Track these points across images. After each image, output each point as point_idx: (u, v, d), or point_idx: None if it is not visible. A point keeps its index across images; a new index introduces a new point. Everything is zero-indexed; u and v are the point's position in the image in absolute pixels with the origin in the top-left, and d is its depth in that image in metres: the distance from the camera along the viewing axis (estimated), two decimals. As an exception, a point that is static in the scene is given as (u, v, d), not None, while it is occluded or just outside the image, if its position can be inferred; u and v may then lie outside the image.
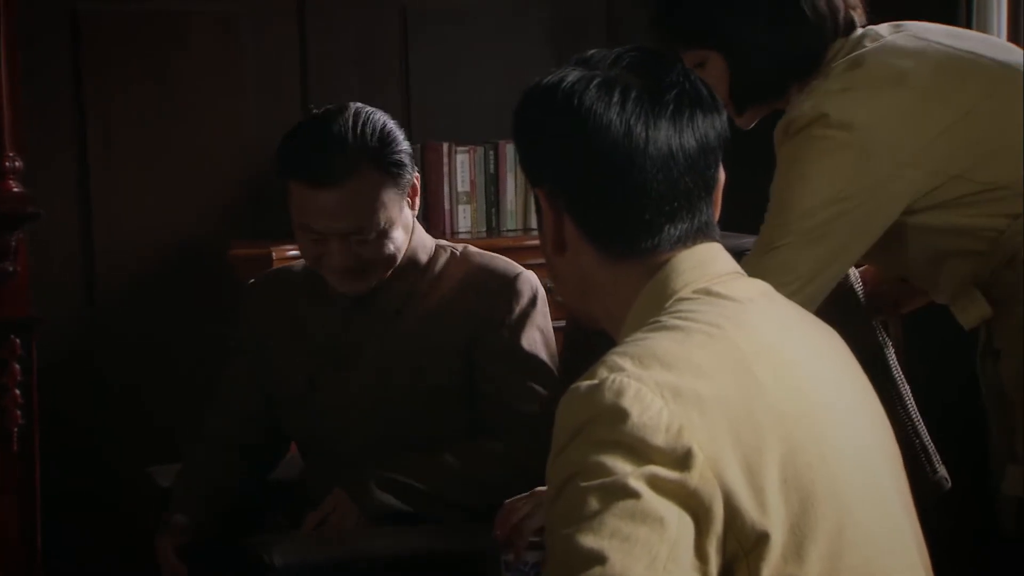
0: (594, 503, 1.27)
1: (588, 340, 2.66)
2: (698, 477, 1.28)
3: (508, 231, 4.07)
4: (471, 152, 4.05)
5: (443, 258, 2.48)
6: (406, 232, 2.40)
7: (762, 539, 1.29)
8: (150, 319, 3.96)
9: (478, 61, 4.19)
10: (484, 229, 4.06)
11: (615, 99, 1.43)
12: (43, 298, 3.45)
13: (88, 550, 3.82)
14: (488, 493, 2.26)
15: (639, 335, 1.38)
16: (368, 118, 2.34)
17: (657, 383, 1.30)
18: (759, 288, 1.48)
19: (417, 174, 2.40)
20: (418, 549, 2.23)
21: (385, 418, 2.40)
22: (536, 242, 3.91)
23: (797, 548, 1.31)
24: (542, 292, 2.49)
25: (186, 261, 3.98)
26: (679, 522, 1.27)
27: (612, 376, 1.31)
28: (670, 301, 1.42)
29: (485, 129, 4.12)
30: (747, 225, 2.33)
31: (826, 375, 1.44)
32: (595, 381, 1.32)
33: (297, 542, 2.25)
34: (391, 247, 2.37)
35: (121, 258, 3.96)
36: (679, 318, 1.39)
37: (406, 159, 2.36)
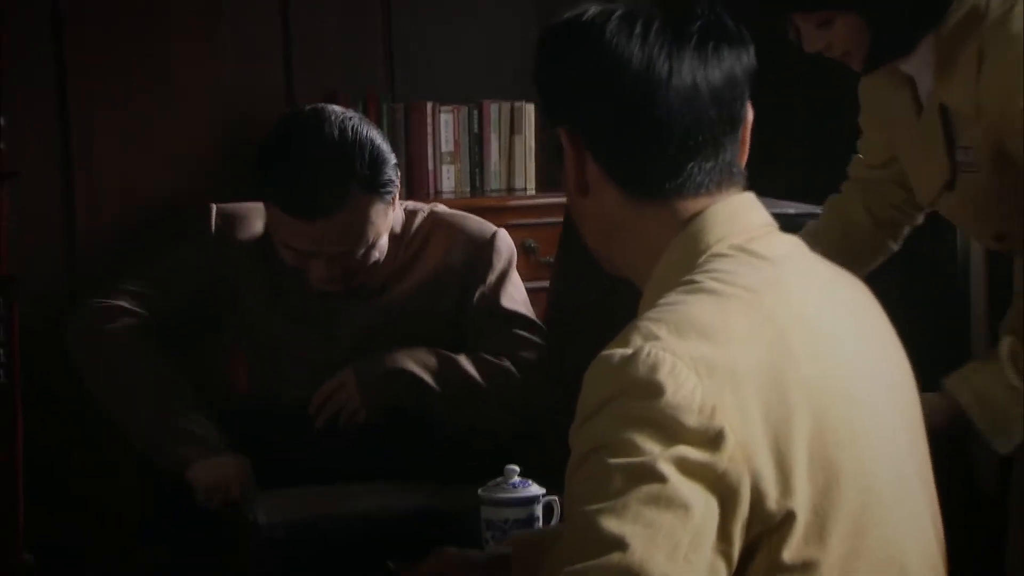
0: (619, 482, 1.26)
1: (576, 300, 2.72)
2: (728, 459, 1.27)
3: (492, 191, 4.09)
4: (455, 112, 4.07)
5: (415, 223, 2.49)
6: (387, 231, 2.39)
7: (786, 520, 1.30)
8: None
9: (462, 19, 4.20)
10: (468, 189, 4.08)
11: (637, 31, 1.40)
12: (23, 257, 3.48)
13: (72, 509, 3.87)
14: (488, 403, 2.32)
15: (674, 297, 1.36)
16: (355, 137, 2.28)
17: (693, 357, 1.29)
18: (792, 243, 1.46)
19: (399, 182, 2.38)
20: (401, 508, 2.28)
21: None
22: (520, 202, 4.01)
23: (819, 529, 1.31)
24: (515, 250, 2.54)
25: (168, 222, 4.00)
26: (704, 507, 1.27)
27: (647, 346, 1.29)
28: (703, 257, 1.40)
29: (469, 88, 4.14)
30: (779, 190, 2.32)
31: (858, 342, 1.43)
32: (629, 350, 1.30)
33: (281, 501, 2.29)
34: (376, 255, 2.38)
35: (102, 217, 3.97)
36: (715, 279, 1.36)
37: (394, 175, 2.33)
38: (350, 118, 2.32)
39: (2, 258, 3.23)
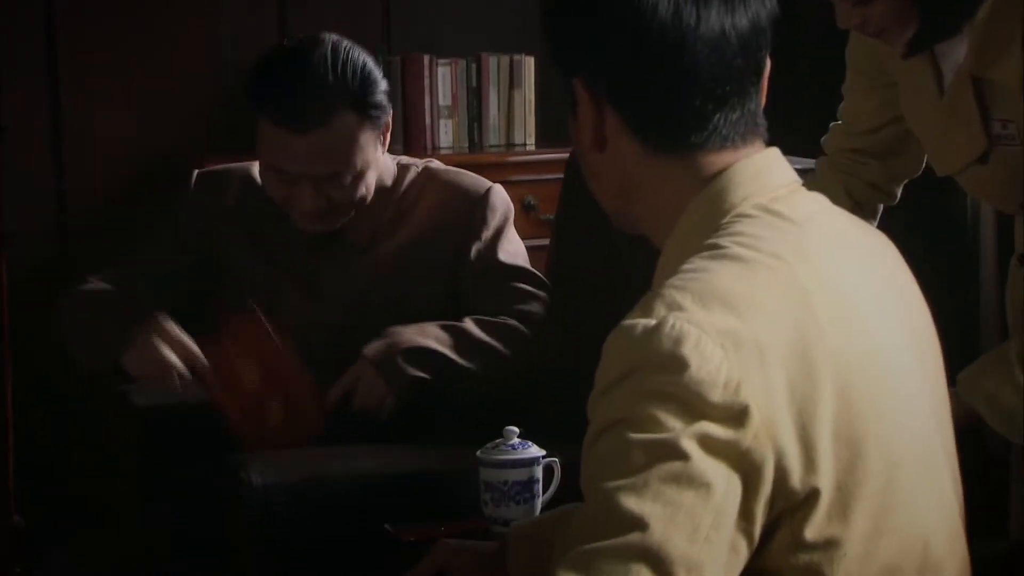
0: (640, 459, 1.24)
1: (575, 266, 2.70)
2: (752, 437, 1.25)
3: (491, 147, 4.07)
4: (453, 65, 4.04)
5: (408, 178, 2.48)
6: (376, 170, 2.39)
7: (809, 498, 1.28)
8: (124, 236, 3.97)
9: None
10: (466, 145, 4.06)
11: None
12: (12, 213, 3.46)
13: (64, 471, 3.87)
14: (508, 366, 2.29)
15: (698, 263, 1.33)
16: (347, 56, 2.31)
17: (718, 330, 1.26)
18: (817, 203, 1.44)
19: (391, 112, 2.38)
20: (399, 470, 2.27)
21: (364, 343, 2.38)
22: (520, 158, 3.98)
23: (843, 507, 1.30)
24: (511, 206, 2.52)
25: (159, 176, 3.99)
26: (727, 485, 1.25)
27: (672, 318, 1.27)
28: (727, 217, 1.37)
29: (468, 41, 4.11)
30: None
31: (885, 309, 1.41)
32: (652, 321, 1.28)
33: (277, 462, 2.28)
34: (363, 189, 2.36)
35: (93, 172, 3.96)
36: (741, 245, 1.34)
37: (384, 99, 2.34)
38: (344, 42, 2.35)
39: (-9, 215, 3.21)
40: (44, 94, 3.92)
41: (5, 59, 3.52)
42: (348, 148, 2.31)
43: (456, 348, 2.34)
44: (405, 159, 2.53)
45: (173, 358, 2.29)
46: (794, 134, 2.15)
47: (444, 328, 2.36)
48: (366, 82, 2.31)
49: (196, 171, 2.55)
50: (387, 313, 2.41)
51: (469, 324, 2.38)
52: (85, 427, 3.89)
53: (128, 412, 2.75)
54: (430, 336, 2.34)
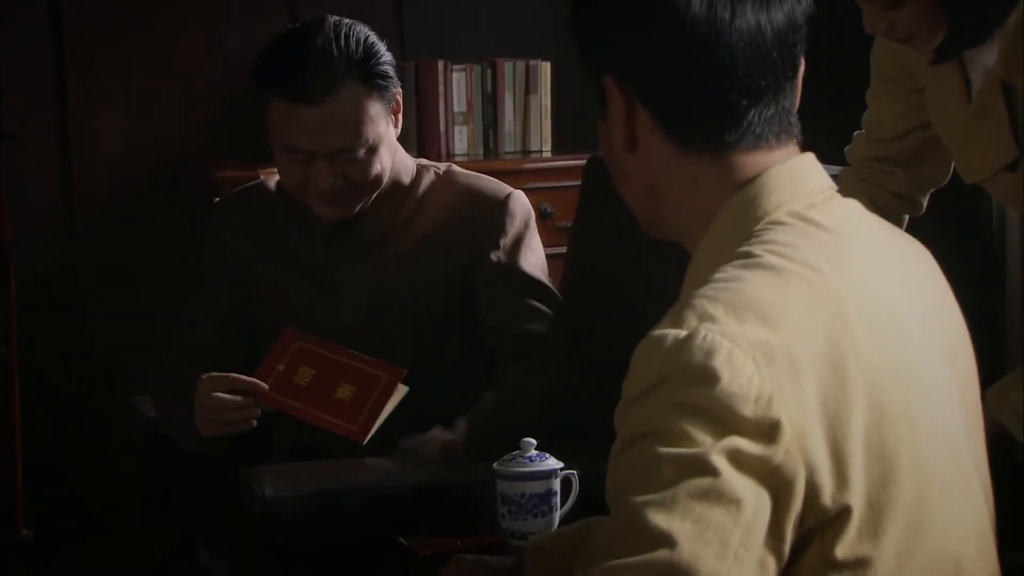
0: (668, 473, 1.23)
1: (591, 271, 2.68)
2: (783, 452, 1.24)
3: (506, 153, 4.06)
4: (468, 71, 4.03)
5: (426, 179, 2.49)
6: (390, 153, 2.41)
7: (840, 515, 1.27)
8: (132, 242, 3.98)
9: (475, -25, 4.18)
10: (481, 151, 4.05)
11: None
12: (20, 221, 3.46)
13: (71, 482, 3.86)
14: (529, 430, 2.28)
15: (731, 272, 1.31)
16: (350, 30, 2.35)
17: (750, 343, 1.25)
18: (853, 210, 1.43)
19: (400, 89, 2.41)
20: (414, 481, 2.26)
21: (378, 347, 2.40)
22: (536, 165, 3.97)
23: (874, 525, 1.29)
24: (532, 212, 2.52)
25: (169, 182, 3.99)
26: (757, 502, 1.23)
27: (703, 329, 1.25)
28: (760, 224, 1.36)
29: (482, 46, 4.11)
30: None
31: (920, 320, 1.39)
32: (683, 332, 1.26)
33: (288, 473, 2.27)
34: (378, 166, 2.38)
35: (101, 179, 3.96)
36: (775, 254, 1.32)
37: (391, 71, 2.37)
38: (347, 20, 2.40)
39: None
40: (50, 101, 3.92)
41: (11, 67, 3.52)
42: (358, 118, 2.33)
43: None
44: (425, 161, 2.55)
45: (226, 411, 2.32)
46: (815, 143, 2.14)
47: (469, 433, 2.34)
48: (369, 52, 2.35)
49: (216, 200, 2.63)
50: (399, 311, 2.43)
51: (488, 413, 2.35)
52: (91, 434, 3.89)
53: (136, 422, 2.75)
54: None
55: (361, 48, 2.34)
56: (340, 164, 2.35)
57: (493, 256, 2.44)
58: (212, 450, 2.38)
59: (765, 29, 1.36)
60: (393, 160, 2.43)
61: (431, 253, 2.45)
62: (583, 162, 2.79)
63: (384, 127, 2.38)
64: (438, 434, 2.31)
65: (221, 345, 2.50)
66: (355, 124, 2.33)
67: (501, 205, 2.47)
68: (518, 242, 2.46)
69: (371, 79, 2.34)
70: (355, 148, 2.34)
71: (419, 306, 2.43)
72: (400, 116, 2.43)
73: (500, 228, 2.45)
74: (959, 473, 1.38)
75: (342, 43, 2.33)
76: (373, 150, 2.36)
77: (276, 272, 2.49)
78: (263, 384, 2.33)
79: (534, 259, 2.48)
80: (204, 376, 2.34)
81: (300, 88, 2.31)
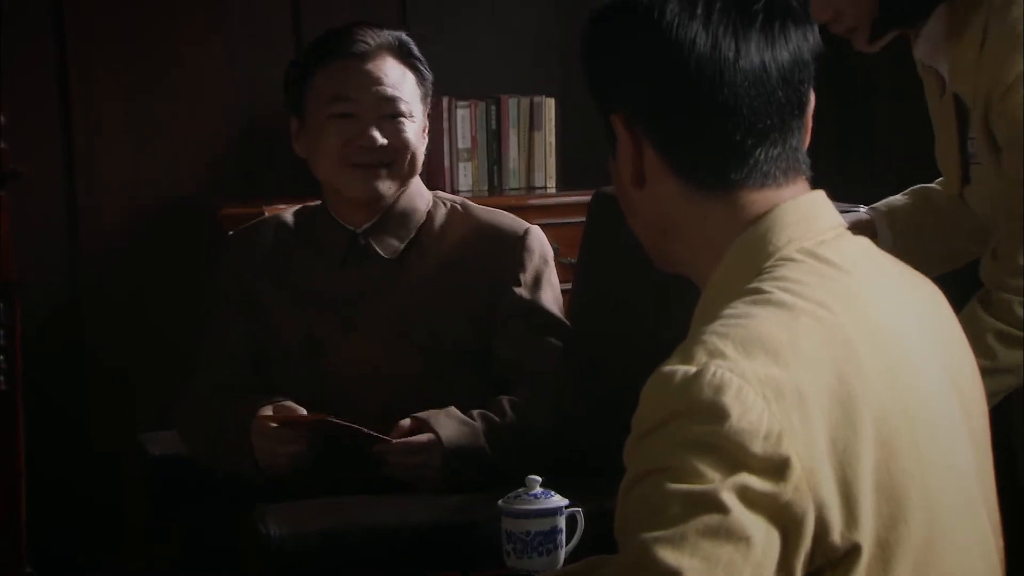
0: (678, 510, 1.23)
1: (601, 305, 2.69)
2: (793, 490, 1.25)
3: (511, 190, 4.07)
4: (472, 107, 4.05)
5: (442, 212, 2.54)
6: (421, 143, 2.50)
7: (850, 554, 1.27)
8: (137, 281, 3.98)
9: (479, 11, 4.19)
10: (486, 188, 4.07)
11: (699, 11, 1.37)
12: (26, 260, 3.48)
13: (74, 518, 3.86)
14: (533, 458, 2.30)
15: (741, 308, 1.32)
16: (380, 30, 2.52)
17: (760, 380, 1.26)
18: (863, 247, 1.44)
19: (430, 94, 2.55)
20: (419, 520, 2.26)
21: (394, 384, 2.42)
22: (540, 201, 3.98)
23: (884, 564, 1.29)
24: (550, 248, 2.54)
25: (175, 221, 4.00)
26: (766, 540, 1.24)
27: (713, 365, 1.26)
28: (770, 261, 1.37)
29: (487, 83, 4.12)
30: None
31: (931, 359, 1.40)
32: (692, 368, 1.27)
33: (293, 511, 2.27)
34: (415, 140, 2.48)
35: (107, 218, 3.97)
36: (785, 291, 1.33)
37: (424, 64, 2.53)
38: None
39: (4, 262, 3.22)
40: (55, 139, 3.93)
41: (17, 104, 3.54)
42: (402, 79, 2.49)
43: (496, 452, 2.36)
44: (441, 194, 2.60)
45: (283, 445, 2.35)
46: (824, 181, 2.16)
47: (486, 429, 2.37)
48: (402, 38, 2.52)
49: (230, 233, 2.66)
50: (418, 346, 2.45)
51: (505, 423, 2.39)
52: (97, 472, 3.89)
53: (142, 460, 2.75)
54: (476, 435, 2.36)
55: (396, 36, 2.51)
56: (384, 126, 2.45)
57: (513, 292, 2.47)
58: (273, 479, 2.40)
59: (770, 68, 1.37)
60: (410, 185, 2.51)
61: (449, 287, 2.47)
62: (587, 198, 2.80)
63: (421, 110, 2.51)
64: (446, 419, 2.34)
65: (247, 374, 2.52)
66: (400, 83, 2.47)
67: (520, 240, 2.50)
68: (538, 278, 2.50)
69: (409, 59, 2.50)
70: (399, 103, 2.46)
71: (438, 345, 2.45)
72: (426, 135, 2.53)
73: (520, 264, 2.49)
74: (968, 509, 1.38)
75: (382, 29, 2.51)
76: (412, 116, 2.47)
77: (291, 307, 2.50)
78: (300, 409, 2.36)
79: (552, 295, 2.52)
80: (259, 416, 2.36)
81: (356, 45, 2.47)
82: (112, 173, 3.97)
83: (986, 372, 1.60)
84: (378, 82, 2.46)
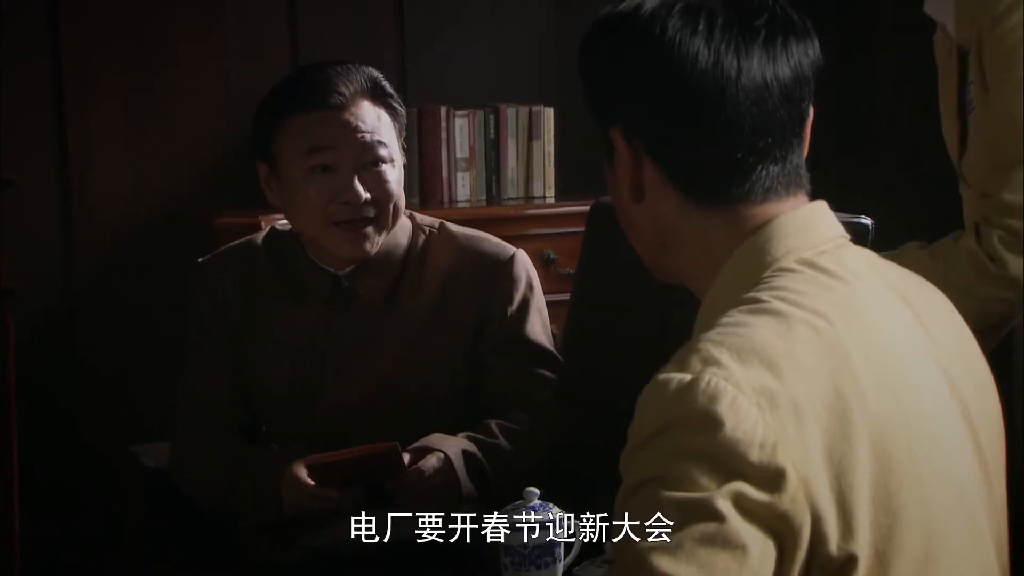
0: (674, 517, 1.24)
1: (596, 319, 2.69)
2: (789, 500, 1.25)
3: (509, 200, 4.07)
4: (470, 116, 4.05)
5: (422, 240, 2.50)
6: (401, 187, 2.45)
7: (847, 565, 1.28)
8: (131, 289, 3.98)
9: (477, 20, 4.19)
10: (484, 198, 4.06)
11: (700, 26, 1.37)
12: (19, 268, 3.48)
13: (68, 527, 3.86)
14: (523, 467, 2.32)
15: (737, 317, 1.33)
16: (356, 67, 2.44)
17: (755, 389, 1.26)
18: (866, 258, 1.44)
19: (403, 137, 2.47)
20: (411, 532, 2.25)
21: (389, 427, 2.37)
22: (539, 211, 3.98)
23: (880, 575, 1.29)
24: (534, 271, 2.52)
25: (170, 230, 4.00)
26: (762, 549, 1.24)
27: (707, 374, 1.27)
28: (769, 271, 1.37)
29: (485, 92, 4.13)
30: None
31: (934, 370, 1.40)
32: (687, 376, 1.27)
33: (280, 528, 2.27)
34: (398, 187, 2.42)
35: (101, 227, 3.97)
36: (783, 300, 1.33)
37: (398, 101, 2.46)
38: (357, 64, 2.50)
39: (-1, 270, 3.23)
40: (49, 148, 3.93)
41: (11, 114, 3.54)
42: (379, 125, 2.42)
43: (495, 471, 2.37)
44: (420, 217, 2.55)
45: (316, 501, 2.32)
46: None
47: (486, 448, 2.38)
48: (376, 80, 2.45)
49: (199, 261, 2.57)
50: (408, 392, 2.43)
51: (503, 442, 2.39)
52: (91, 482, 3.88)
53: (137, 471, 2.75)
54: (474, 449, 2.37)
55: (368, 77, 2.43)
56: (366, 178, 2.39)
57: (500, 325, 2.46)
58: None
59: (772, 86, 1.38)
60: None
61: (437, 330, 2.45)
62: (586, 208, 2.80)
63: (398, 149, 2.45)
64: (440, 439, 2.34)
65: (238, 414, 2.50)
66: (377, 130, 2.41)
67: (505, 269, 2.48)
68: (524, 308, 2.48)
69: (383, 98, 2.43)
70: (379, 149, 2.40)
71: (429, 392, 2.44)
72: (404, 171, 2.47)
73: (507, 296, 2.47)
74: (970, 526, 1.38)
75: (352, 72, 2.42)
76: (392, 162, 2.42)
77: (273, 355, 2.46)
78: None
79: (540, 322, 2.50)
80: (294, 467, 2.32)
81: (324, 96, 2.39)
82: (107, 181, 3.97)
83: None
84: (356, 130, 2.40)
